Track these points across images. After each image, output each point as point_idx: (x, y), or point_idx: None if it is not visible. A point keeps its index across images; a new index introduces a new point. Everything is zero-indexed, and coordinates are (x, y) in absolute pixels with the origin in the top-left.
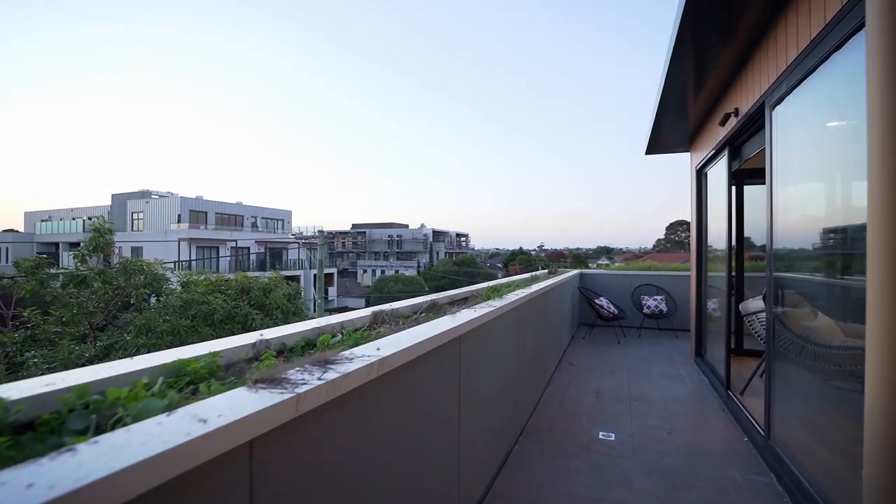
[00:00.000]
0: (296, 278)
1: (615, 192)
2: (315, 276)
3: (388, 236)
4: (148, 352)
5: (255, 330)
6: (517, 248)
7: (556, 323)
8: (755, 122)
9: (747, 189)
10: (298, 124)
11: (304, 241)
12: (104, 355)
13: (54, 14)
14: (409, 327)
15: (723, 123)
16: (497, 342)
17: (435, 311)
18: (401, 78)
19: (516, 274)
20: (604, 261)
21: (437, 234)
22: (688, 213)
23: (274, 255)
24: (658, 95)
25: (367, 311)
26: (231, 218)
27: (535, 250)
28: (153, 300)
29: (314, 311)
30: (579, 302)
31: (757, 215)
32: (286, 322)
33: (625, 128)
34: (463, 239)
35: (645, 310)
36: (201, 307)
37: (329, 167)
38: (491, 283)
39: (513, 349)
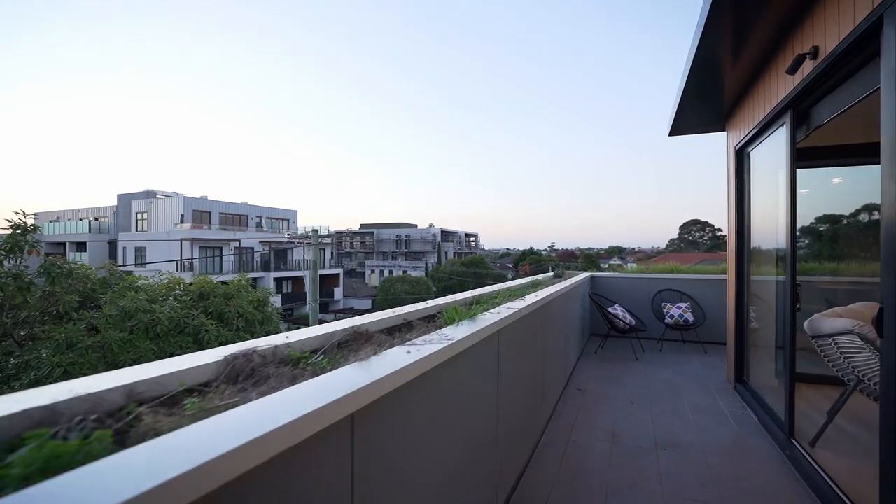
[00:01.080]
0: (300, 279)
1: (628, 191)
2: (312, 278)
3: (397, 236)
4: (65, 372)
5: (209, 343)
6: (528, 248)
7: (562, 340)
8: (849, 61)
9: (805, 173)
10: (308, 125)
11: (299, 241)
12: (13, 377)
13: (55, 14)
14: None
15: (792, 70)
16: (461, 387)
17: (404, 330)
18: (411, 78)
19: (527, 274)
20: (616, 261)
21: (446, 234)
22: (702, 212)
23: (279, 256)
24: (691, 54)
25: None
26: (235, 218)
27: (545, 250)
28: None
29: (315, 315)
30: (590, 309)
31: (821, 205)
32: (250, 333)
33: (638, 127)
34: (472, 239)
35: (667, 319)
36: (143, 316)
37: (340, 168)
38: (474, 293)
39: (490, 391)
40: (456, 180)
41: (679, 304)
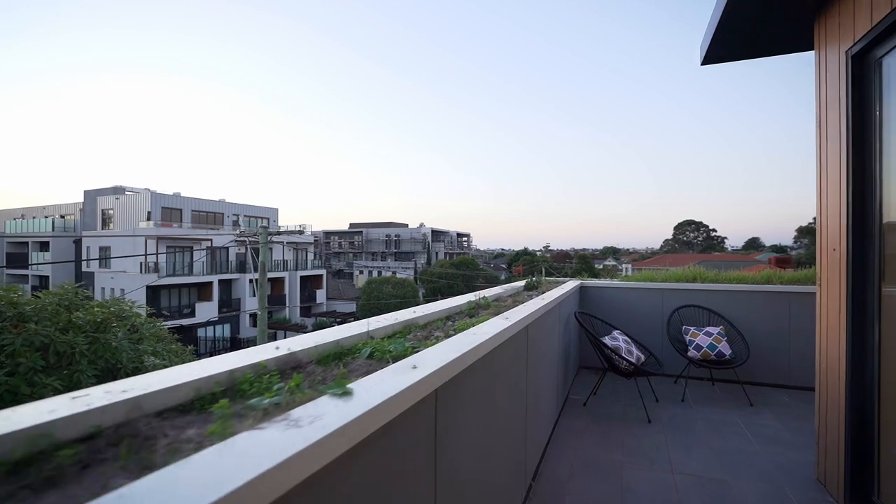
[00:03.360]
0: (279, 280)
1: (623, 190)
2: (260, 282)
3: (386, 236)
4: None
5: None
6: (522, 248)
7: (519, 409)
8: None
9: None
10: (299, 124)
11: (241, 237)
12: None
13: (15, 12)
14: None
15: None
16: None
17: None
18: (406, 77)
19: (520, 275)
20: (610, 261)
21: (437, 234)
22: (696, 213)
23: (257, 255)
24: None
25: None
26: (210, 216)
27: (540, 251)
28: None
29: (263, 327)
30: (580, 333)
31: None
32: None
33: (636, 126)
34: (464, 239)
35: (691, 352)
36: None
37: (331, 167)
38: (408, 316)
39: None
40: (450, 180)
41: (708, 329)
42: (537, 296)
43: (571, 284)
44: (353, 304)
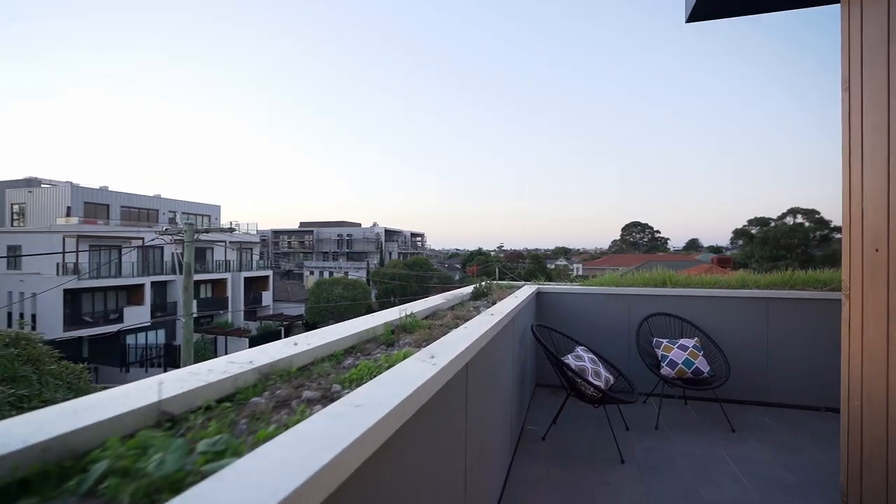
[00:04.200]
0: (221, 282)
1: (574, 191)
2: (185, 286)
3: (338, 235)
4: None
5: None
6: (476, 248)
7: (459, 473)
8: None
9: None
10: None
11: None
12: None
13: None
14: None
15: None
16: None
17: None
18: (353, 75)
19: (474, 275)
20: (562, 261)
21: (391, 234)
22: (641, 216)
23: (196, 256)
24: None
25: None
26: (143, 213)
27: (494, 251)
28: None
29: (189, 336)
30: (536, 348)
31: None
32: None
33: (584, 128)
34: (418, 239)
35: (664, 369)
36: None
37: (282, 164)
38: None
39: None
40: (404, 180)
41: (682, 342)
42: (486, 307)
43: (527, 290)
44: (302, 306)
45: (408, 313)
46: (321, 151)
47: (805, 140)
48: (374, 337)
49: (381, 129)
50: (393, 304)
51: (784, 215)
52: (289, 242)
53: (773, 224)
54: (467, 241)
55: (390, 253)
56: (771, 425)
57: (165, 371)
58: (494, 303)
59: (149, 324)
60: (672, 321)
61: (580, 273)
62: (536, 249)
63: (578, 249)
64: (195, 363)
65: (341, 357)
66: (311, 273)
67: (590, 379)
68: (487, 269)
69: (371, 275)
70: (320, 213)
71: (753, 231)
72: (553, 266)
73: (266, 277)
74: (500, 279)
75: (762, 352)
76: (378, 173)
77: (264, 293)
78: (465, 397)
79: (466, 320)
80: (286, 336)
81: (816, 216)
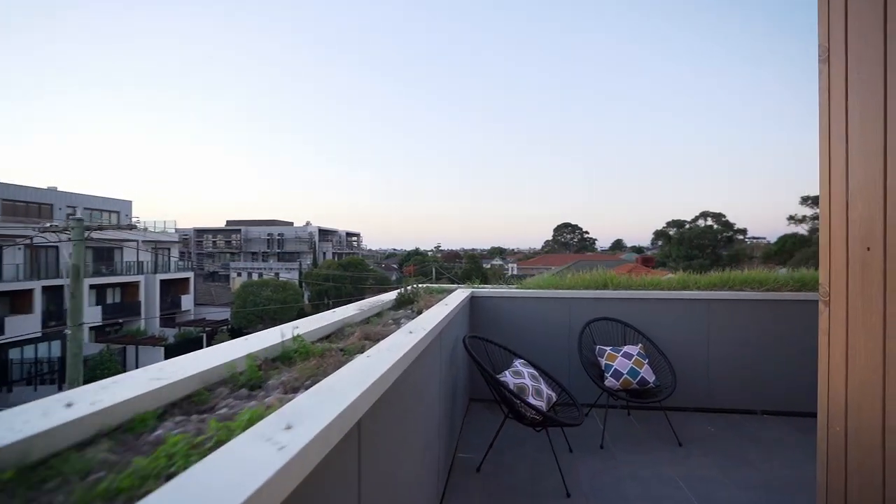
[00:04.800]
0: (132, 285)
1: (510, 192)
2: (73, 290)
3: (269, 235)
4: None
5: None
6: (414, 248)
7: None
8: None
9: None
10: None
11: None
12: None
13: None
14: None
15: None
16: None
17: None
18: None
19: (411, 276)
20: (497, 261)
21: (325, 234)
22: (572, 217)
23: (101, 257)
24: None
25: None
26: (33, 207)
27: (431, 251)
28: None
29: (77, 349)
30: (470, 361)
31: None
32: None
33: (517, 126)
34: (354, 238)
35: (609, 380)
36: None
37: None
38: None
39: None
40: (339, 179)
41: (627, 350)
42: (409, 318)
43: (459, 295)
44: (227, 310)
45: (297, 335)
46: (251, 150)
47: (720, 144)
48: (233, 375)
49: (315, 126)
50: (327, 307)
51: (696, 218)
52: (214, 242)
53: (687, 226)
54: (404, 241)
55: (324, 253)
56: (714, 434)
57: (60, 389)
58: (420, 312)
59: (39, 335)
60: (614, 326)
61: (515, 272)
62: (473, 249)
63: (513, 249)
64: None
65: (151, 422)
66: (239, 274)
67: (530, 400)
68: (424, 269)
69: (303, 276)
70: (250, 212)
71: (671, 232)
72: (489, 266)
73: (186, 280)
74: (437, 280)
75: (703, 356)
76: (312, 172)
77: (184, 297)
78: (358, 463)
79: (379, 340)
80: (208, 344)
81: (723, 219)
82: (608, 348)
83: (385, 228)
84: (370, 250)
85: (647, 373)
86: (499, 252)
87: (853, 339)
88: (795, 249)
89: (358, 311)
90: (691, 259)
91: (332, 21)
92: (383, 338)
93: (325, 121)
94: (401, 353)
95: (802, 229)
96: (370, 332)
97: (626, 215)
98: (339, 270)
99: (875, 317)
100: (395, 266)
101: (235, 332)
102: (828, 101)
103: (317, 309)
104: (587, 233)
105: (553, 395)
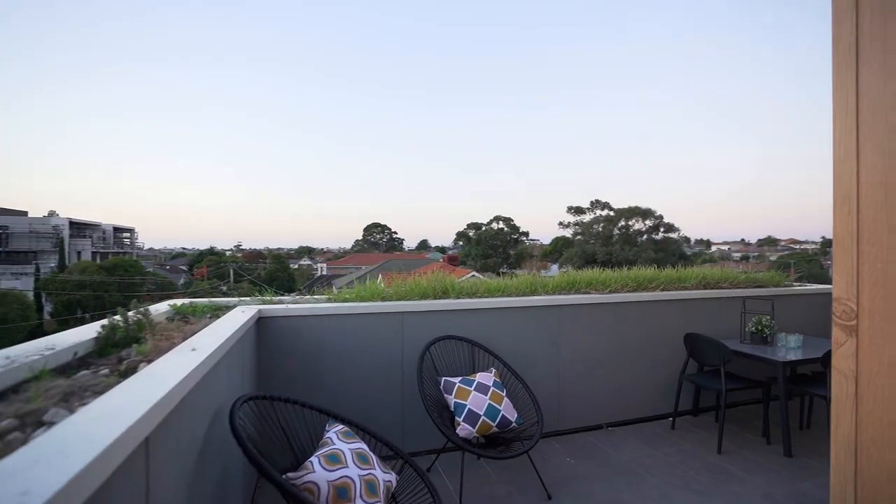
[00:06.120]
0: None
1: (318, 188)
2: None
3: None
4: None
5: None
6: (208, 247)
7: None
8: None
9: None
10: None
11: None
12: None
13: None
14: None
15: None
16: None
17: None
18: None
19: (204, 278)
20: (306, 261)
21: (81, 228)
22: (381, 217)
23: None
24: None
25: None
26: None
27: (231, 250)
28: None
29: None
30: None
31: None
32: None
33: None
34: (125, 235)
35: (463, 426)
36: None
37: None
38: None
39: None
40: (111, 158)
41: (481, 380)
42: (94, 393)
43: (238, 319)
44: None
45: None
46: None
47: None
48: None
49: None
50: (84, 321)
51: (491, 221)
52: None
53: (483, 228)
54: (197, 238)
55: (79, 252)
56: (573, 465)
57: None
58: (135, 369)
59: None
60: (460, 347)
61: (325, 272)
62: (279, 248)
63: (323, 249)
64: None
65: None
66: None
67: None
68: (221, 270)
69: (42, 283)
70: None
71: (471, 234)
72: (297, 266)
73: None
74: (236, 282)
75: (554, 372)
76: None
77: None
78: None
79: None
80: None
81: (511, 223)
82: (457, 380)
83: (173, 223)
84: (150, 249)
85: (507, 409)
86: (307, 251)
87: (884, 380)
88: (564, 249)
89: None
90: (487, 258)
91: None
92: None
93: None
94: None
95: (568, 233)
96: None
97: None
98: (101, 275)
99: None
100: (183, 268)
101: None
102: (839, 82)
103: (65, 326)
104: (396, 233)
105: (391, 477)
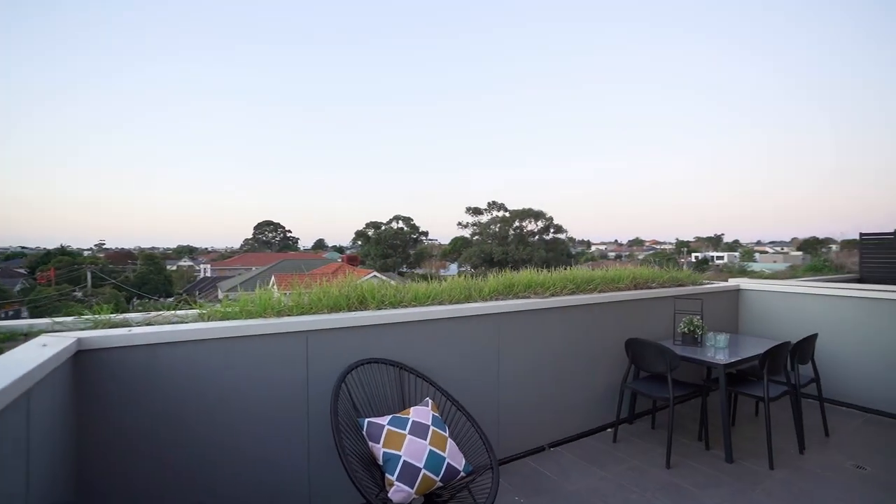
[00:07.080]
0: None
1: (201, 185)
2: None
3: None
4: None
5: None
6: (58, 246)
7: None
8: None
9: None
10: None
11: None
12: None
13: None
14: None
15: None
16: None
17: None
18: None
19: (48, 283)
20: (186, 262)
21: None
22: (273, 215)
23: None
24: None
25: None
26: None
27: (91, 249)
28: None
29: None
30: None
31: None
32: None
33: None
34: None
35: (398, 487)
36: None
37: None
38: None
39: None
40: None
41: (416, 418)
42: None
43: (26, 361)
44: None
45: None
46: None
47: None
48: None
49: None
50: None
51: (391, 220)
52: None
53: (383, 227)
54: (44, 236)
55: None
56: None
57: None
58: None
59: None
60: (385, 373)
61: (209, 274)
62: (154, 248)
63: (207, 248)
64: None
65: None
66: None
67: None
68: (74, 274)
69: None
70: None
71: (370, 233)
72: (175, 268)
73: None
74: (96, 287)
75: (494, 393)
76: None
77: None
78: None
79: None
80: None
81: (411, 223)
82: (384, 422)
83: (9, 217)
84: None
85: (453, 455)
86: (188, 251)
87: None
88: (462, 249)
89: None
90: (387, 257)
91: None
92: None
93: None
94: None
95: (466, 233)
96: None
97: (328, 215)
98: None
99: None
100: (22, 271)
101: None
102: None
103: None
104: (290, 231)
105: None
